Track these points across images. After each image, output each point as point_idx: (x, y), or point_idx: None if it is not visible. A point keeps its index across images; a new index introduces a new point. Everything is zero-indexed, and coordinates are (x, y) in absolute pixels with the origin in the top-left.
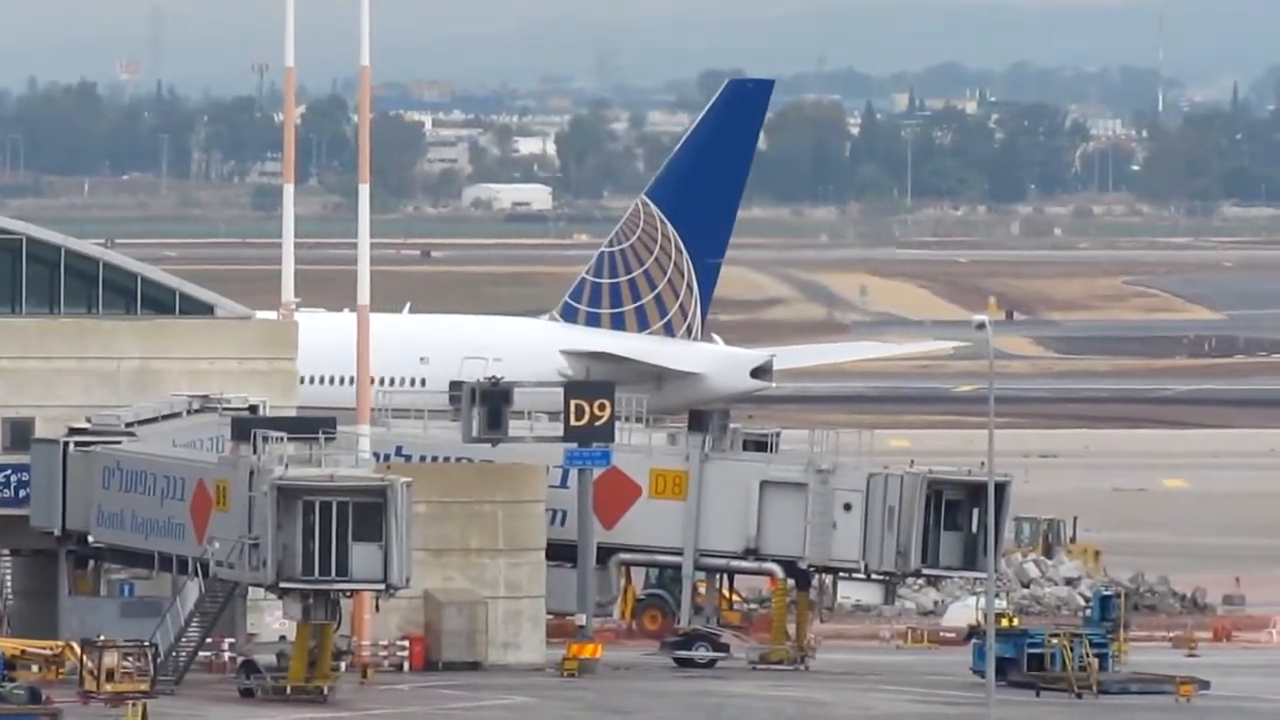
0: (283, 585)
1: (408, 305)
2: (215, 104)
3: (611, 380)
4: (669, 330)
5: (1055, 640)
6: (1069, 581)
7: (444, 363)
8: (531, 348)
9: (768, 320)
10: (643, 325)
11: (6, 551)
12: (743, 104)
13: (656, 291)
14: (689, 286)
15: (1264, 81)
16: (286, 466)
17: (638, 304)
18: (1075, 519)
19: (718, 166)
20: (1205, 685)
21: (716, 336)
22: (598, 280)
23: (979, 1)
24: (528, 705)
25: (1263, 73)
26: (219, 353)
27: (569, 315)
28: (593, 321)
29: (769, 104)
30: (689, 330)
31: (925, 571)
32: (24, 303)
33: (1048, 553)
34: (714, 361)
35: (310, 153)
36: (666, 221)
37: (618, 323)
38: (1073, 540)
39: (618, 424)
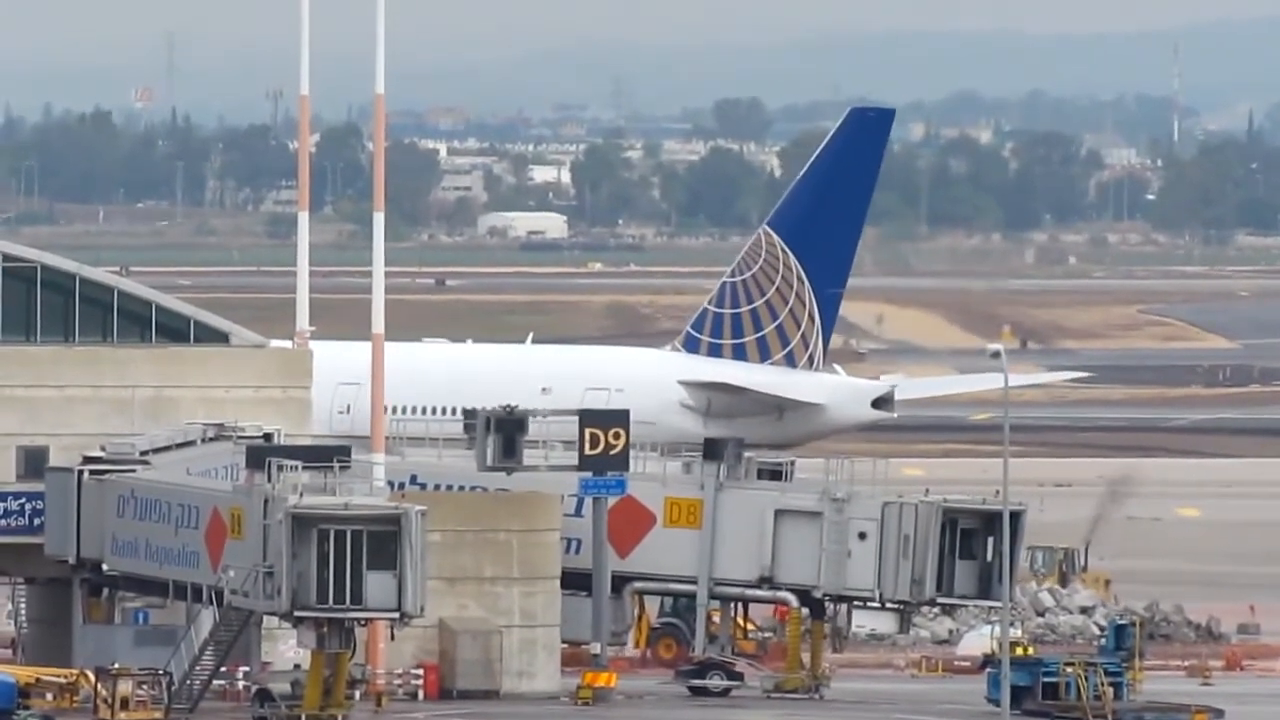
0: (297, 614)
1: (530, 336)
2: (230, 132)
3: (732, 411)
4: (790, 361)
5: (1070, 669)
6: (1084, 610)
7: (566, 393)
8: (653, 379)
9: None
10: (764, 356)
11: (21, 579)
12: (864, 132)
13: (778, 322)
14: (810, 317)
15: (1279, 110)
16: (301, 495)
17: (759, 334)
18: (1087, 547)
19: (839, 196)
20: (1220, 714)
21: (838, 367)
22: (719, 310)
23: (994, 30)
24: None
25: (1278, 101)
26: (234, 381)
27: (691, 346)
28: (715, 352)
29: (889, 133)
30: (810, 361)
31: (940, 600)
32: (39, 331)
33: (1063, 581)
34: (835, 392)
35: (325, 180)
36: (788, 251)
37: (739, 353)
38: (1084, 569)
39: (632, 452)
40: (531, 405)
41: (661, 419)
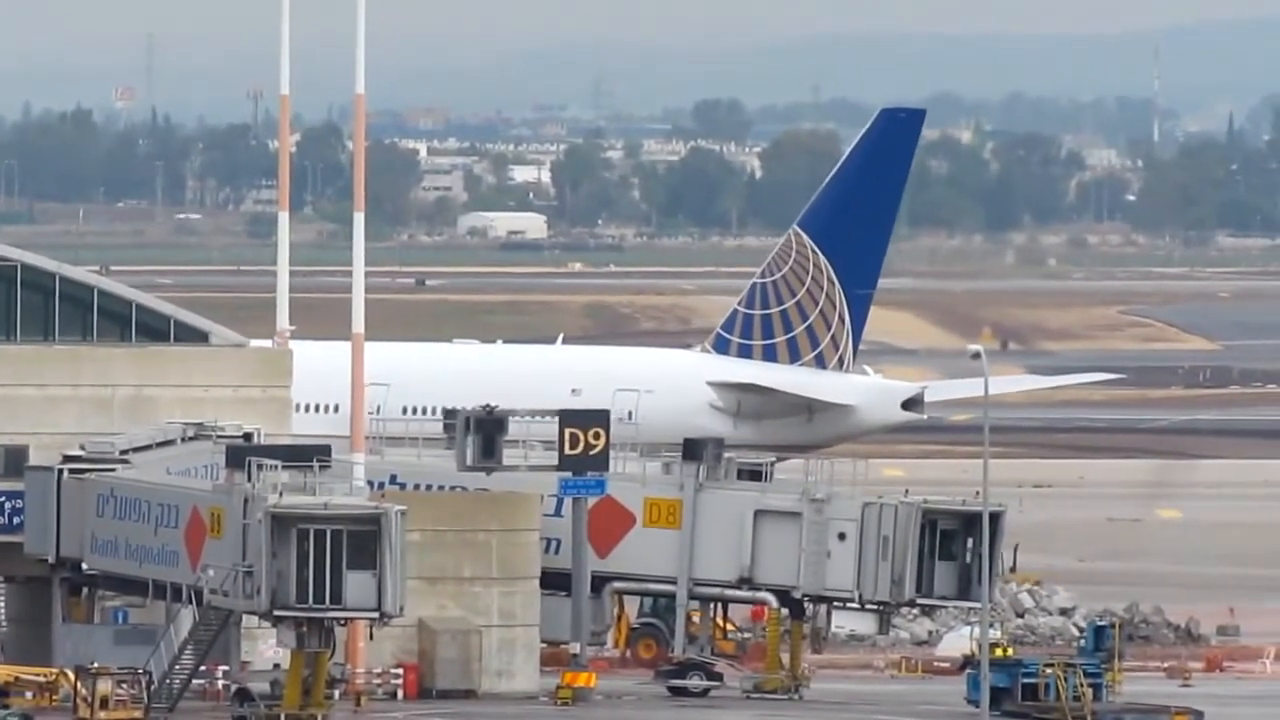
0: (277, 613)
1: (560, 336)
2: (210, 131)
3: (762, 413)
4: (820, 362)
5: (1050, 670)
6: (1063, 611)
7: (596, 394)
8: (683, 379)
9: None
10: (794, 357)
11: (0, 578)
12: (894, 133)
13: (808, 323)
14: (840, 318)
15: (1259, 111)
16: (281, 494)
17: (789, 335)
18: (1016, 547)
19: (869, 196)
20: (1199, 716)
21: (868, 368)
22: (750, 311)
23: (974, 31)
24: None
25: (1258, 102)
26: (213, 380)
27: (721, 347)
28: (745, 353)
29: (920, 133)
30: (840, 362)
31: (920, 601)
32: (19, 330)
33: None
34: (865, 393)
35: (305, 180)
36: (818, 252)
37: (769, 354)
38: (1013, 570)
39: (612, 452)
40: (563, 406)
41: (691, 420)
